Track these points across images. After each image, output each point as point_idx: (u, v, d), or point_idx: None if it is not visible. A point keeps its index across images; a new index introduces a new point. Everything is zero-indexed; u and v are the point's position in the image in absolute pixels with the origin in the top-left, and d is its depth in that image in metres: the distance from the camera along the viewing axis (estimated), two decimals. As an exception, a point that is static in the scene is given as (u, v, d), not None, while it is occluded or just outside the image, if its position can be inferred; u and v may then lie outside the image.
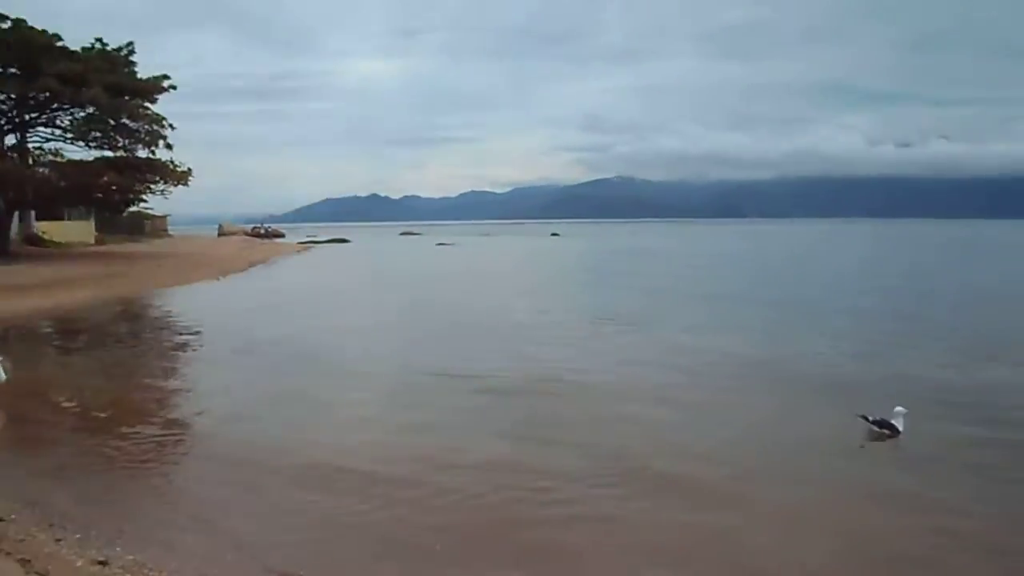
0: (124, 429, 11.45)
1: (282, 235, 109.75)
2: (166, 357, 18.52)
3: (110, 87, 42.23)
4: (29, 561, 6.61)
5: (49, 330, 22.76)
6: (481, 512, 8.34)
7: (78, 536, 7.39)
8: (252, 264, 50.41)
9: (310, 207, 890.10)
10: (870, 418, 11.24)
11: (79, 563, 6.72)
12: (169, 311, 27.00)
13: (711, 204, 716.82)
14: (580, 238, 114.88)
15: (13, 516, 7.83)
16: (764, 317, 24.44)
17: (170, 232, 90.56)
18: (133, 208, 64.38)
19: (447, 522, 8.04)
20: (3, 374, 13.18)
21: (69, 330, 22.63)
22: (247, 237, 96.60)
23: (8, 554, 6.75)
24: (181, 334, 21.25)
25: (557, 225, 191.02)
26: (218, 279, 39.36)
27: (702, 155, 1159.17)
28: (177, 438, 11.15)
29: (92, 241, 60.55)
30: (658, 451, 10.39)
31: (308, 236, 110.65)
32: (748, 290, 33.38)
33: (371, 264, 57.55)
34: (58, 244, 52.42)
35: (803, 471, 9.83)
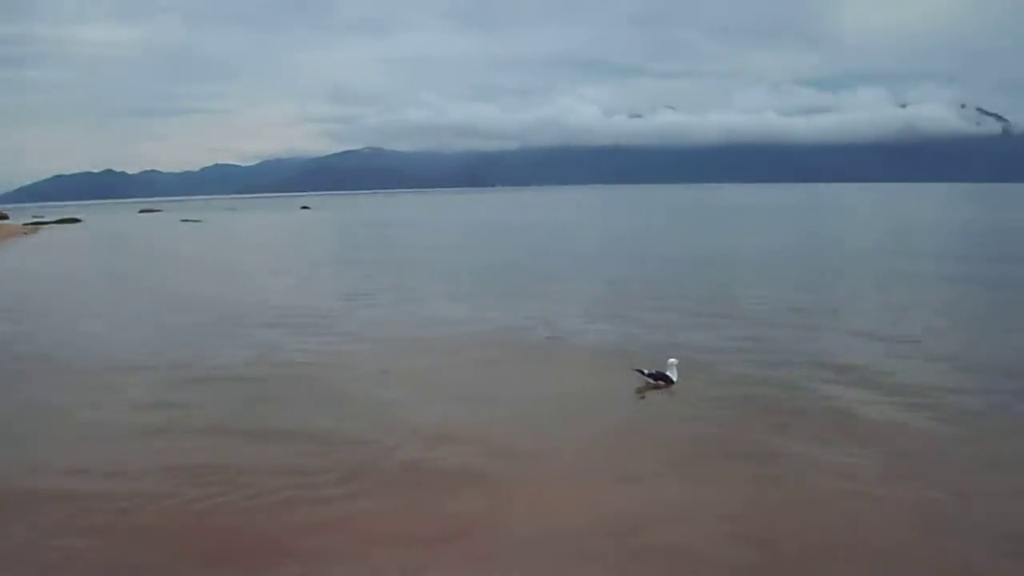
0: None
1: (5, 216, 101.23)
2: None
3: None
4: None
5: None
6: (179, 516, 8.06)
7: None
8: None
9: (38, 185, 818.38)
10: (645, 371, 12.37)
11: None
12: None
13: (459, 174, 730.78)
14: (331, 210, 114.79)
15: None
16: (513, 287, 25.47)
17: None
18: None
19: (141, 527, 7.88)
20: None
21: None
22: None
23: None
24: None
25: (307, 198, 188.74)
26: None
27: (449, 126, 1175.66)
28: None
29: None
30: (414, 431, 10.69)
31: (34, 216, 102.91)
32: (505, 262, 34.32)
33: (106, 246, 54.97)
34: None
35: (586, 422, 10.94)
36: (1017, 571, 6.66)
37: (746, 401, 11.55)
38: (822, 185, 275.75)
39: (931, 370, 13.14)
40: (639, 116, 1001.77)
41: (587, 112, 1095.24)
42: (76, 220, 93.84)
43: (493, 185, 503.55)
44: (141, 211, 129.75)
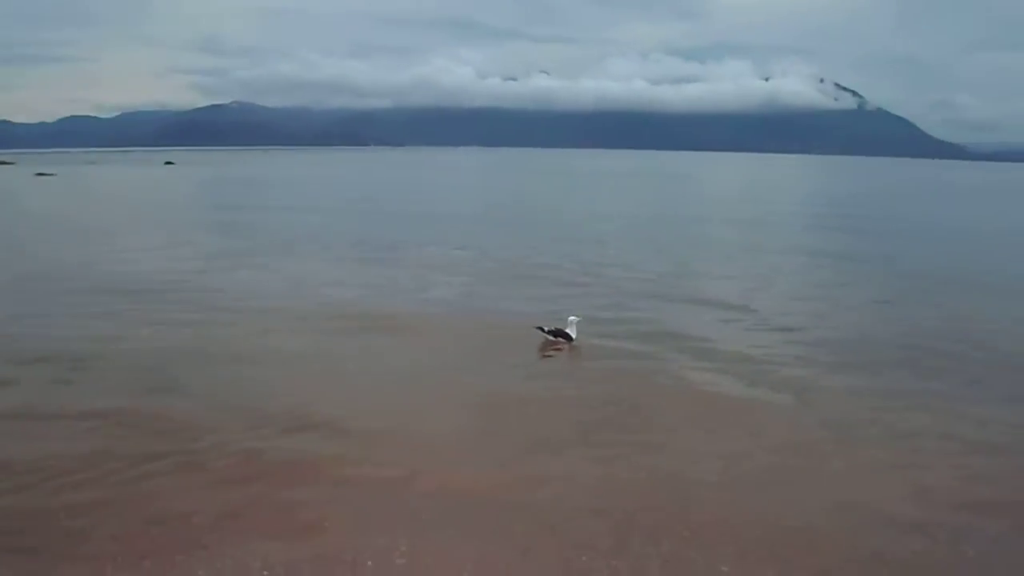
0: None
1: None
2: None
3: None
4: None
5: None
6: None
7: None
8: None
9: None
10: (545, 328, 13.13)
11: None
12: None
13: (332, 131, 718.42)
14: (196, 167, 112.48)
15: None
16: (382, 250, 26.36)
17: None
18: None
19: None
20: None
21: None
22: None
23: None
24: None
25: (172, 153, 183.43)
26: None
27: (322, 82, 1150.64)
28: None
29: None
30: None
31: None
32: (372, 225, 35.91)
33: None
34: None
35: (488, 380, 11.61)
36: (859, 542, 7.02)
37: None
38: (687, 153, 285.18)
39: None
40: (513, 79, 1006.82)
41: (462, 73, 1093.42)
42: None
43: (367, 144, 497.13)
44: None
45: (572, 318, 13.11)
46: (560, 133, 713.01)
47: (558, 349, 12.99)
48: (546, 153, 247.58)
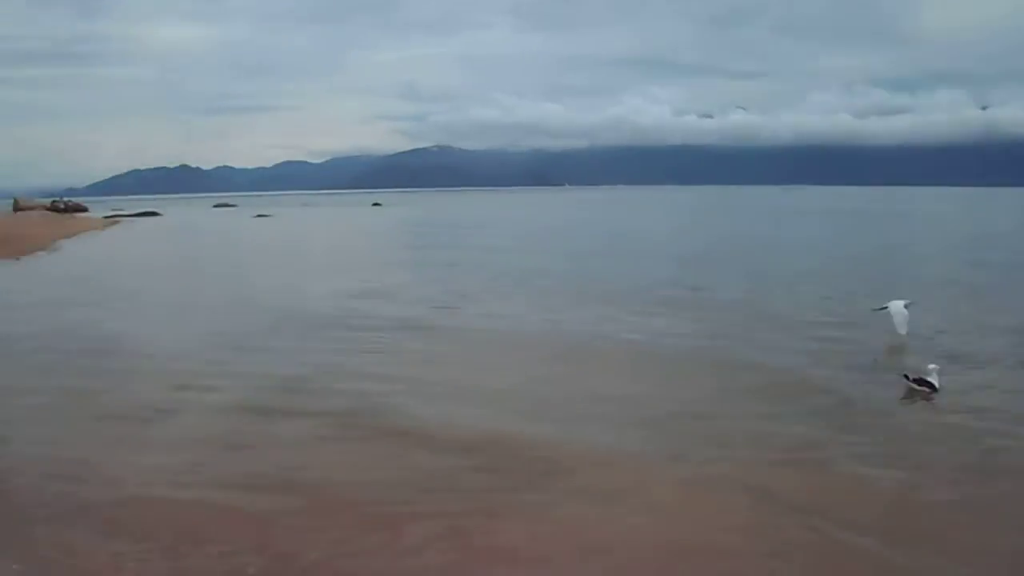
0: None
1: (85, 209, 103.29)
2: None
3: None
4: None
5: None
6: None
7: None
8: (55, 240, 47.56)
9: (115, 179, 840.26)
10: (910, 376, 11.74)
11: None
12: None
13: (527, 172, 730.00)
14: (402, 207, 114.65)
15: None
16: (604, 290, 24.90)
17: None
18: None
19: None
20: None
21: None
22: (47, 212, 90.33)
23: None
24: None
25: (377, 195, 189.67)
26: (17, 259, 36.86)
27: (517, 124, 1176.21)
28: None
29: None
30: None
31: (113, 209, 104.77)
32: (587, 265, 33.68)
33: (185, 240, 55.33)
34: None
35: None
36: None
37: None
38: (900, 188, 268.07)
39: None
40: (709, 116, 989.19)
41: (657, 112, 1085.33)
42: (155, 214, 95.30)
43: (561, 184, 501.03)
44: (215, 205, 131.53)
45: (932, 366, 11.52)
46: (758, 169, 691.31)
47: (927, 399, 11.33)
48: (745, 190, 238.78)
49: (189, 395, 12.16)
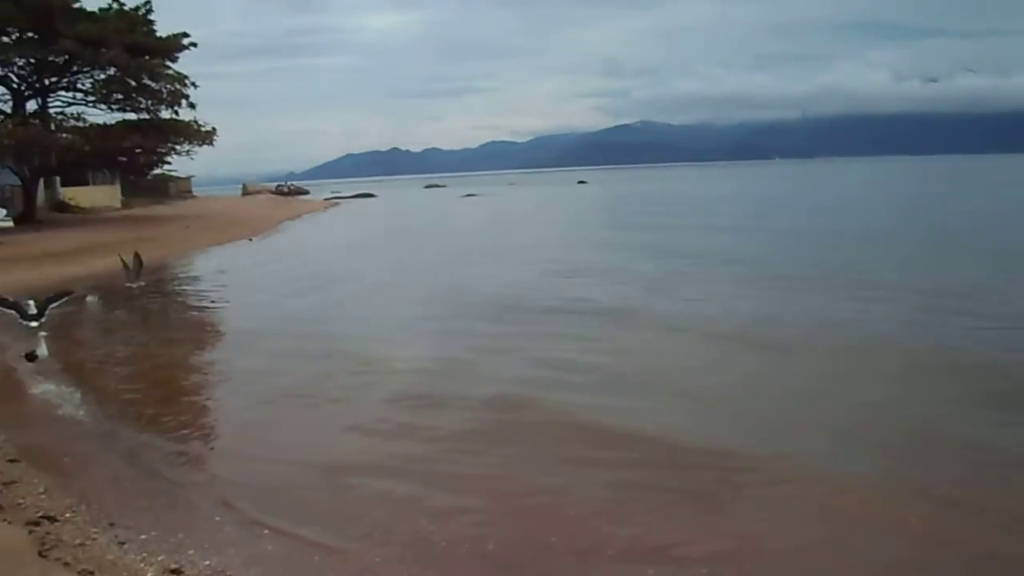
0: (176, 414, 10.54)
1: (306, 192, 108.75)
2: (211, 329, 17.88)
3: (130, 47, 41.26)
4: (92, 573, 5.78)
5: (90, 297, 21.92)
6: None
7: (142, 537, 6.53)
8: (280, 222, 49.65)
9: (331, 163, 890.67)
10: None
11: (149, 573, 5.89)
12: (203, 274, 26.21)
13: (735, 146, 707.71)
14: (608, 184, 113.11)
15: (67, 514, 6.98)
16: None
17: (194, 193, 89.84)
18: (157, 171, 63.97)
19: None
20: (45, 350, 12.60)
21: (105, 298, 21.88)
22: (272, 196, 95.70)
23: (67, 565, 5.89)
24: (217, 301, 20.63)
25: (582, 173, 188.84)
26: (250, 239, 38.64)
27: (724, 97, 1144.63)
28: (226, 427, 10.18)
29: (118, 205, 59.99)
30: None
31: (332, 192, 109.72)
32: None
33: (400, 219, 56.27)
34: (84, 210, 51.83)
35: None
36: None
37: None
38: None
39: None
40: (934, 81, 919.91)
41: (875, 78, 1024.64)
42: (370, 195, 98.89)
43: (771, 158, 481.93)
44: (426, 186, 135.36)
45: None
46: (990, 137, 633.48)
47: None
48: (976, 160, 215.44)
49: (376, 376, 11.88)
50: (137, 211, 55.90)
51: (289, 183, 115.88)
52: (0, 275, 23.60)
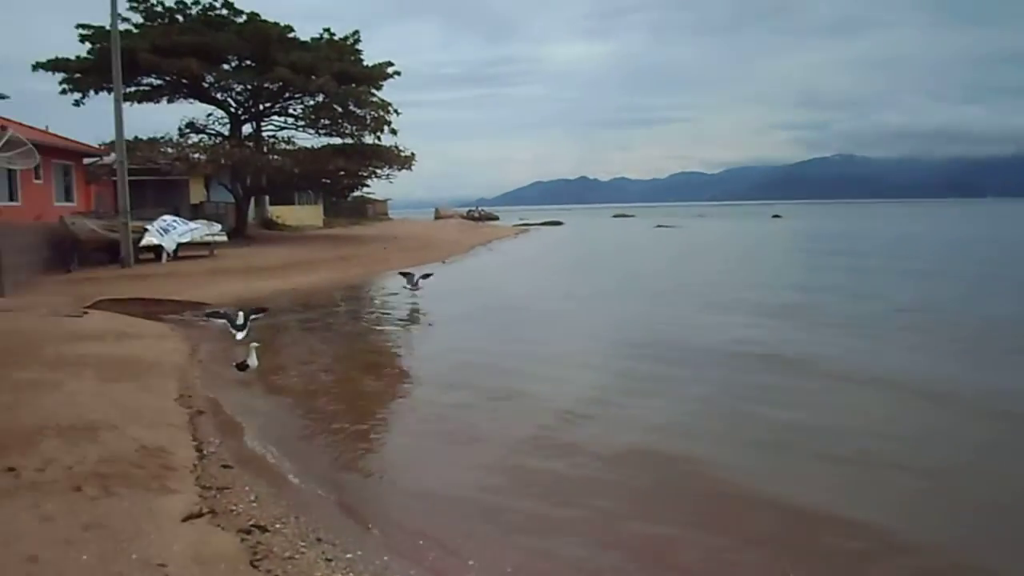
0: (389, 421, 11.05)
1: (496, 218, 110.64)
2: (417, 339, 18.56)
3: (338, 75, 43.07)
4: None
5: (293, 312, 22.67)
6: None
7: (348, 556, 6.52)
8: (473, 247, 50.37)
9: (519, 190, 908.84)
10: None
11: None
12: (397, 292, 26.58)
13: (943, 182, 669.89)
14: (803, 220, 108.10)
15: (277, 525, 7.02)
16: None
17: (390, 216, 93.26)
18: (357, 193, 66.73)
19: None
20: (255, 360, 13.13)
21: (311, 312, 22.58)
22: (463, 220, 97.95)
23: (276, 576, 5.78)
24: (417, 317, 21.20)
25: (776, 207, 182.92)
26: (443, 262, 39.30)
27: (932, 130, 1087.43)
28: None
29: (321, 224, 63.01)
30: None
31: (520, 219, 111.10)
32: None
33: (592, 248, 55.91)
34: (290, 227, 54.69)
35: None
36: None
37: None
38: None
39: None
40: None
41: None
42: (558, 223, 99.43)
43: (984, 195, 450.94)
44: (614, 216, 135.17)
45: None
46: None
47: None
48: None
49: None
50: (338, 230, 58.41)
51: (480, 208, 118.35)
52: (215, 286, 24.95)
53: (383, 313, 22.97)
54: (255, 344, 13.39)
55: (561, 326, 20.41)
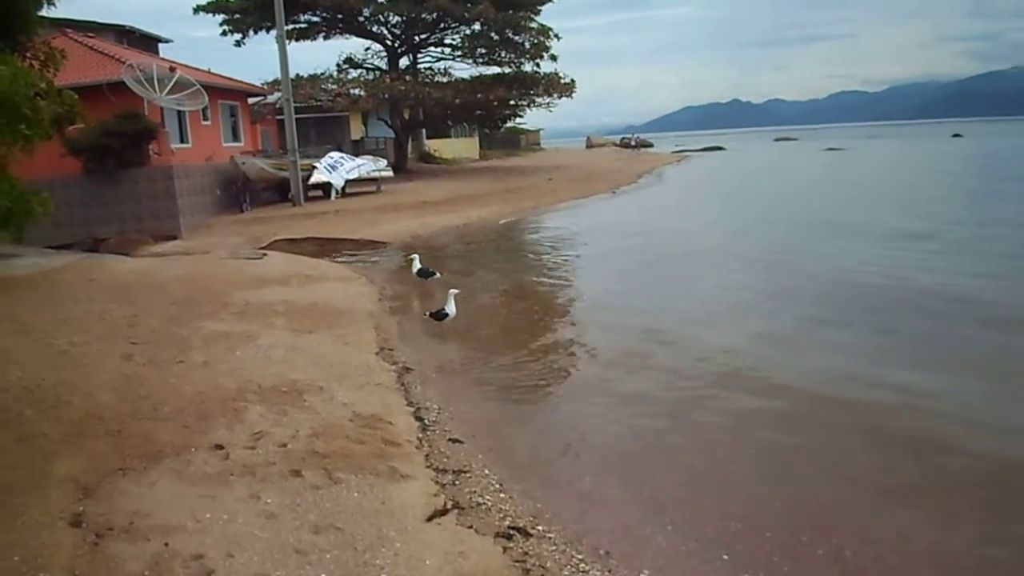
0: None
1: (650, 145, 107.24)
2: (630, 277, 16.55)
3: (496, 2, 41.39)
4: None
5: (476, 248, 21.54)
6: None
7: None
8: (640, 175, 48.18)
9: (669, 116, 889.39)
10: None
11: None
12: (590, 227, 24.81)
13: None
14: (992, 139, 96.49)
15: (540, 527, 5.74)
16: None
17: (542, 146, 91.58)
18: (509, 123, 65.37)
19: None
20: (453, 308, 11.83)
21: (492, 248, 21.45)
22: (616, 148, 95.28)
23: None
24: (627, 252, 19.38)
25: (951, 125, 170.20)
26: (613, 192, 37.56)
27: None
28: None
29: (477, 157, 62.21)
30: None
31: (677, 145, 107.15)
32: None
33: (765, 174, 52.23)
34: (447, 160, 54.03)
35: None
36: None
37: None
38: None
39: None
40: None
41: None
42: (719, 148, 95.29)
43: None
44: (776, 139, 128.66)
45: None
46: None
47: None
48: None
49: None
50: (495, 162, 57.48)
51: (636, 136, 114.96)
52: (387, 223, 24.30)
53: (573, 253, 20.31)
54: (454, 291, 12.13)
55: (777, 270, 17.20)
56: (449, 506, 5.71)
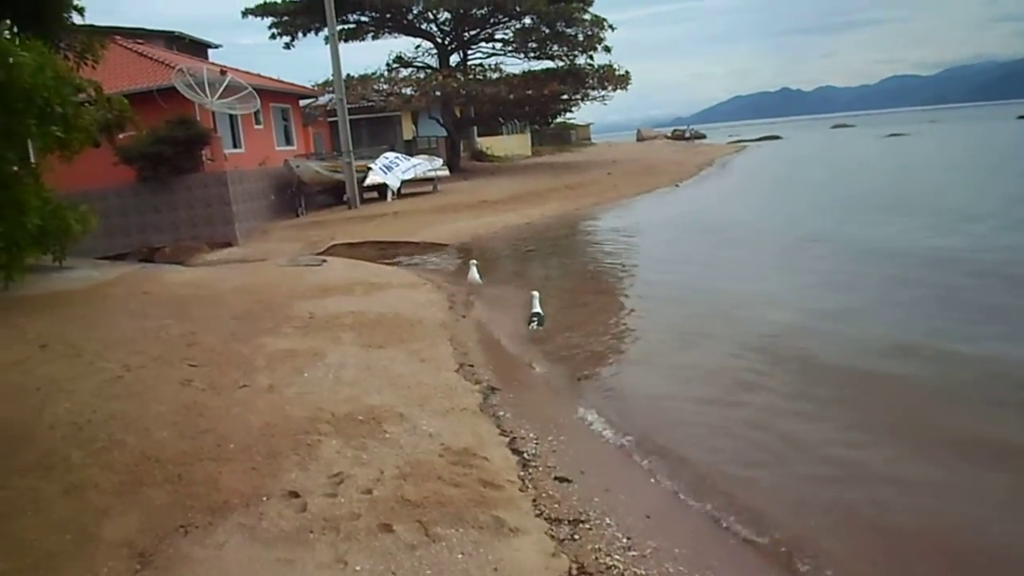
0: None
1: (704, 136, 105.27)
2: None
3: (549, -6, 40.43)
4: None
5: (545, 248, 20.53)
6: None
7: None
8: (700, 168, 46.79)
9: (717, 106, 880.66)
10: None
11: None
12: (663, 222, 23.68)
13: None
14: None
15: None
16: None
17: (592, 141, 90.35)
18: (560, 118, 64.20)
19: None
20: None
21: (569, 250, 20.49)
22: (668, 141, 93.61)
23: None
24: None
25: (1017, 107, 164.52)
26: (676, 185, 36.33)
27: None
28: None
29: (529, 153, 61.24)
30: None
31: (731, 136, 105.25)
32: None
33: (833, 162, 49.95)
34: (499, 158, 53.11)
35: None
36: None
37: None
38: None
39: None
40: None
41: None
42: (776, 137, 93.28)
43: None
44: (833, 127, 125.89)
45: None
46: None
47: None
48: None
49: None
50: (548, 158, 56.45)
51: (690, 127, 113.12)
52: (446, 223, 23.46)
53: (654, 255, 18.67)
54: (535, 292, 11.14)
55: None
56: (575, 572, 4.71)
